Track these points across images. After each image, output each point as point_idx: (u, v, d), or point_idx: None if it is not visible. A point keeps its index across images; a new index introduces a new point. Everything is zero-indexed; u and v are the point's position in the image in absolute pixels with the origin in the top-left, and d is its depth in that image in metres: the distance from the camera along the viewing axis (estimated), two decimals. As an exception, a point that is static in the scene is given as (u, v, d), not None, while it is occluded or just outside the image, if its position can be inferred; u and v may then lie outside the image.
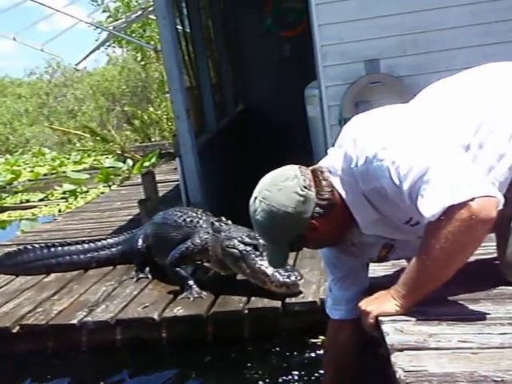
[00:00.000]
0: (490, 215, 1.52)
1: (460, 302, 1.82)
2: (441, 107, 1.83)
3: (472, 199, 1.51)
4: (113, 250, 4.30)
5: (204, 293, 3.45)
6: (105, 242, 4.34)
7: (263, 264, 3.25)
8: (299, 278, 3.28)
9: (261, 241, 3.36)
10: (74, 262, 4.29)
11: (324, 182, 1.80)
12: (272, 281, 3.23)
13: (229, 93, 7.97)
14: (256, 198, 1.83)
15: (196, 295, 3.42)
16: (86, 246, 4.33)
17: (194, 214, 3.77)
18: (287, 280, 3.22)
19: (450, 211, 1.53)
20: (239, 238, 3.40)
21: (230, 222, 3.64)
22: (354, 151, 1.75)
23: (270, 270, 3.23)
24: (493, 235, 1.95)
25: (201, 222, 3.67)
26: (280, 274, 3.23)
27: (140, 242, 4.00)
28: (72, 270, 4.26)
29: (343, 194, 1.80)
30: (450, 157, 1.62)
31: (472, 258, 2.19)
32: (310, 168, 1.86)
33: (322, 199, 1.78)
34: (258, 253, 3.32)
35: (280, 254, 1.87)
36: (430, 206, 1.56)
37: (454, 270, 1.63)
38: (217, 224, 3.59)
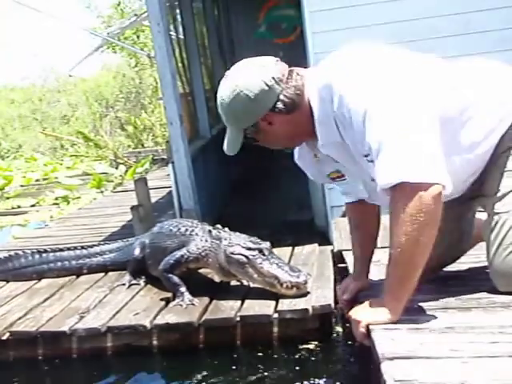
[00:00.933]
0: (435, 198, 1.61)
1: (451, 311, 1.82)
2: (439, 73, 1.85)
3: (422, 182, 1.59)
4: (105, 256, 4.27)
5: (196, 300, 3.43)
6: (97, 248, 4.32)
7: (271, 267, 3.25)
8: (309, 276, 3.29)
9: (264, 244, 3.38)
10: (66, 268, 4.27)
11: (295, 83, 1.81)
12: (282, 282, 3.22)
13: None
14: (227, 75, 1.88)
15: (188, 302, 3.41)
16: (77, 252, 4.30)
17: (189, 224, 3.76)
18: (298, 280, 3.22)
19: (401, 188, 1.61)
20: (243, 244, 3.39)
21: (227, 229, 3.63)
22: (346, 73, 1.74)
23: (279, 272, 3.23)
24: (484, 244, 1.96)
25: (196, 230, 3.65)
26: (289, 274, 3.24)
27: (137, 251, 3.97)
28: (63, 276, 4.23)
29: (314, 107, 1.80)
30: (420, 129, 1.64)
31: (464, 266, 2.21)
32: (290, 68, 1.87)
33: (286, 97, 1.79)
34: (264, 256, 3.31)
35: (234, 138, 1.88)
36: (384, 175, 1.63)
37: (425, 251, 1.67)
38: (215, 231, 3.57)
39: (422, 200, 1.60)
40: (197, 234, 3.60)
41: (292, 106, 1.80)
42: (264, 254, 3.32)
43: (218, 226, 3.67)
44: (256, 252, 3.32)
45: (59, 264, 4.27)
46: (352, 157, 1.83)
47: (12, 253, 4.41)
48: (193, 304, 3.39)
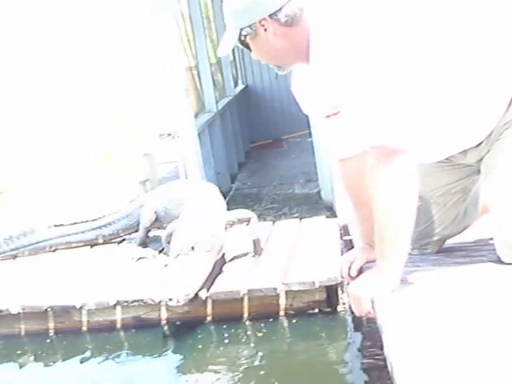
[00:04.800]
0: (407, 160, 1.69)
1: (455, 282, 1.83)
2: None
3: (396, 147, 1.67)
4: (117, 224, 4.38)
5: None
6: (109, 217, 4.41)
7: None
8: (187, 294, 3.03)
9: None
10: (82, 239, 4.38)
11: (300, 5, 1.79)
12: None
13: (228, 72, 7.92)
14: None
15: None
16: (92, 223, 4.41)
17: (194, 192, 3.86)
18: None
19: (378, 149, 1.69)
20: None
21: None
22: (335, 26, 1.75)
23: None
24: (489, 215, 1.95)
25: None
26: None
27: (147, 219, 4.09)
28: (79, 247, 4.35)
29: (313, 37, 1.79)
30: (396, 94, 1.69)
31: (469, 238, 2.21)
32: None
33: (289, 10, 1.78)
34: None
35: (228, 38, 1.86)
36: (365, 135, 1.73)
37: (407, 209, 1.71)
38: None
39: (401, 162, 1.68)
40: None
41: (292, 20, 1.79)
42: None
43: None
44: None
45: (75, 236, 4.38)
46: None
47: (27, 228, 4.44)
48: None
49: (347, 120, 1.85)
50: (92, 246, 4.37)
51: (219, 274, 3.47)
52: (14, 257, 4.30)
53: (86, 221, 4.42)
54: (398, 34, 1.76)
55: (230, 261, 3.65)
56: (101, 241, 4.38)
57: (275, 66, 1.93)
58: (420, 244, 2.15)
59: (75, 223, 4.44)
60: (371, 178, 1.72)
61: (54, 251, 4.35)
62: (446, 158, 2.02)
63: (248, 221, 3.70)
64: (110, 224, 4.38)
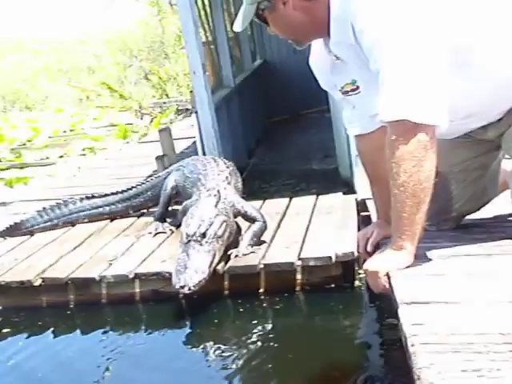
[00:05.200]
0: (432, 136, 1.66)
1: (473, 257, 1.82)
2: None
3: (423, 122, 1.63)
4: (144, 195, 4.48)
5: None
6: (137, 189, 4.50)
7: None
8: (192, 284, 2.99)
9: None
10: (113, 211, 4.49)
11: None
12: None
13: (246, 47, 7.85)
14: None
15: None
16: (122, 194, 4.50)
17: (212, 175, 3.87)
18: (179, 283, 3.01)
19: (402, 124, 1.64)
20: None
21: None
22: None
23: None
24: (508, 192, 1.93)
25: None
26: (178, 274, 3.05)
27: (166, 196, 4.16)
28: (112, 219, 4.45)
29: (333, 4, 1.76)
30: (428, 65, 1.64)
31: (488, 214, 2.19)
32: None
33: None
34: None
35: (245, 13, 1.84)
36: (388, 109, 1.66)
37: (427, 186, 1.69)
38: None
39: (421, 138, 1.64)
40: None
41: None
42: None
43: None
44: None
45: (107, 208, 4.49)
46: (363, 61, 1.79)
47: (61, 200, 4.53)
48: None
49: (366, 95, 1.82)
50: (112, 220, 4.45)
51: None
52: (32, 233, 4.36)
53: (117, 192, 4.52)
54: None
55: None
56: (131, 212, 4.50)
57: (293, 40, 1.90)
58: (438, 220, 2.14)
59: (106, 195, 4.53)
60: (389, 153, 1.69)
61: (73, 225, 4.41)
62: (466, 134, 2.00)
63: (253, 221, 3.55)
64: (138, 195, 4.49)
